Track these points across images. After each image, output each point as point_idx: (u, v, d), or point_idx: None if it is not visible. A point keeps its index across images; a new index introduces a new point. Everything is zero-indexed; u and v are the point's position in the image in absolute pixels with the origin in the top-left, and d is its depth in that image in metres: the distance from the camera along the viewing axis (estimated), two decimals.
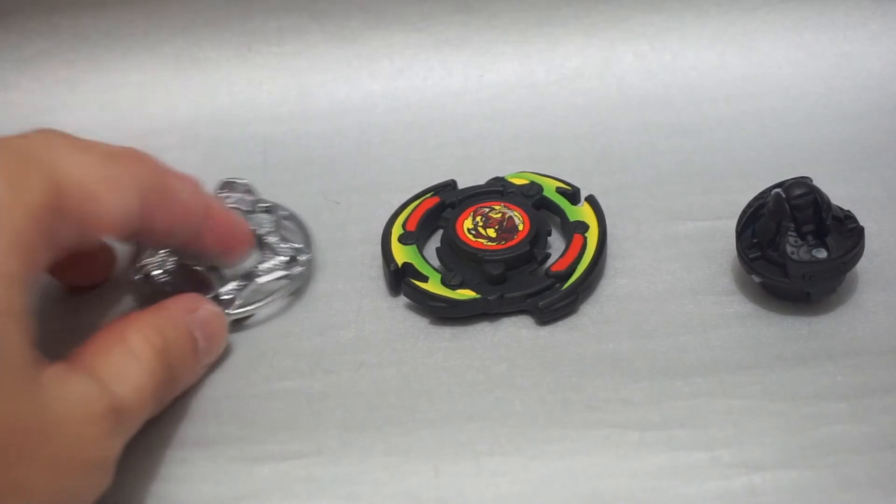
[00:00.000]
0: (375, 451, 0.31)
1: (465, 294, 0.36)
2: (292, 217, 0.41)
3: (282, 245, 0.39)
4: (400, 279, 0.37)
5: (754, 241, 0.35)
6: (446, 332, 0.36)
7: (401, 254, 0.38)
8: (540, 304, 0.35)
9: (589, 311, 0.36)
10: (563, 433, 0.31)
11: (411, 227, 0.39)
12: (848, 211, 0.35)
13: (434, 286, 0.36)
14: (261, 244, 0.40)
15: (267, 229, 0.40)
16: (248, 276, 0.38)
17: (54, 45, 0.50)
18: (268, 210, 0.41)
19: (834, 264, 0.34)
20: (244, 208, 0.40)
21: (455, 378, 0.34)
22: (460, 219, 0.38)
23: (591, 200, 0.39)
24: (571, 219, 0.39)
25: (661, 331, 0.35)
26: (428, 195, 0.41)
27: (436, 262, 0.38)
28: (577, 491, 0.30)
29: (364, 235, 0.40)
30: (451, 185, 0.41)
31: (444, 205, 0.40)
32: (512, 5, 0.49)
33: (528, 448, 0.31)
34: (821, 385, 0.32)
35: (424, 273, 0.37)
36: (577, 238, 0.37)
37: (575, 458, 0.31)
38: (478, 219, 0.38)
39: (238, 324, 0.37)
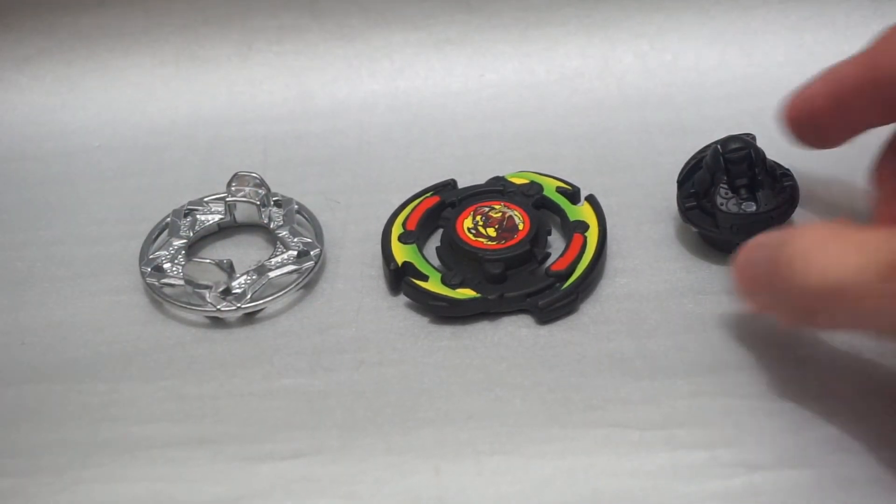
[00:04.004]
0: (376, 450, 0.31)
1: (466, 293, 0.36)
2: (303, 211, 0.41)
3: (293, 239, 0.39)
4: (400, 278, 0.37)
5: (692, 191, 0.37)
6: (446, 332, 0.36)
7: (401, 253, 0.38)
8: (540, 303, 0.35)
9: (589, 311, 0.36)
10: (563, 432, 0.31)
11: (411, 226, 0.39)
12: (787, 169, 0.37)
13: (434, 285, 0.36)
14: (272, 238, 0.40)
15: (278, 223, 0.40)
16: (260, 270, 0.38)
17: (54, 44, 0.50)
18: (279, 203, 0.41)
19: (760, 218, 0.35)
20: (256, 201, 0.40)
21: (455, 377, 0.34)
22: (460, 218, 0.38)
23: (591, 200, 0.39)
24: (571, 218, 0.39)
25: (661, 330, 0.35)
26: (428, 194, 0.41)
27: (436, 262, 0.38)
28: (577, 490, 0.30)
29: (364, 234, 0.40)
30: (451, 184, 0.41)
31: (444, 204, 0.40)
32: (512, 5, 0.49)
33: (529, 447, 0.31)
34: (820, 385, 0.32)
35: (424, 272, 0.37)
36: (577, 237, 0.37)
37: (575, 457, 0.31)
38: (478, 218, 0.38)
39: (249, 317, 0.37)
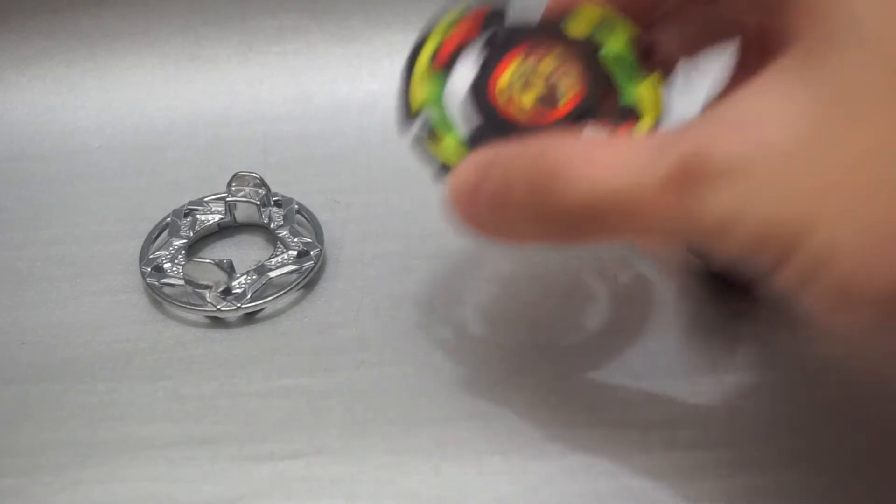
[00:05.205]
0: (375, 450, 0.31)
1: None
2: (303, 211, 0.41)
3: (293, 239, 0.39)
4: (413, 122, 0.29)
5: None
6: (447, 331, 0.36)
7: (424, 89, 0.29)
8: None
9: (589, 311, 0.36)
10: (563, 432, 0.31)
11: (440, 63, 0.30)
12: None
13: (450, 146, 0.28)
14: (272, 238, 0.40)
15: (278, 223, 0.40)
16: (260, 270, 0.38)
17: (54, 45, 0.50)
18: (279, 203, 0.41)
19: None
20: (256, 201, 0.40)
21: (455, 376, 0.34)
22: (499, 67, 0.29)
23: (660, 77, 0.30)
24: (625, 99, 0.29)
25: (661, 330, 0.35)
26: (466, 16, 0.30)
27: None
28: (577, 490, 0.30)
29: (364, 234, 0.40)
30: (500, 9, 0.30)
31: (487, 33, 0.30)
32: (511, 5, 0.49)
33: (529, 447, 0.31)
34: (821, 385, 0.32)
35: (442, 125, 0.29)
36: (621, 131, 0.29)
37: (575, 457, 0.31)
38: (522, 70, 0.29)
39: (249, 317, 0.37)
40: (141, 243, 0.40)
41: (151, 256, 0.39)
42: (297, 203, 0.41)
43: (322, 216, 0.41)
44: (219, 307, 0.36)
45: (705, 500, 0.29)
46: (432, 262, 0.39)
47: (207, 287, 0.37)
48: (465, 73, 0.30)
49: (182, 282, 0.38)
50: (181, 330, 0.37)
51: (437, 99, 0.29)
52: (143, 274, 0.39)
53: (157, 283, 0.38)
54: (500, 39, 0.30)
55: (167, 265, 0.39)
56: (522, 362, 0.34)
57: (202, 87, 0.50)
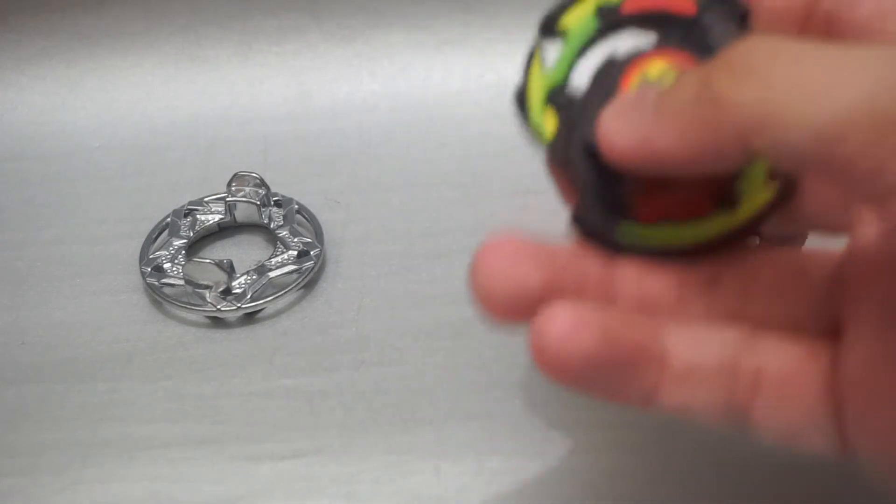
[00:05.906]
0: (376, 450, 0.31)
1: (548, 125, 0.24)
2: (303, 211, 0.41)
3: (293, 239, 0.39)
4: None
5: None
6: (446, 332, 0.36)
7: (580, 16, 0.24)
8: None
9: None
10: (563, 433, 0.31)
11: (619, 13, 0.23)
12: None
13: (536, 85, 0.24)
14: (272, 238, 0.40)
15: (278, 223, 0.40)
16: (260, 270, 0.38)
17: (54, 45, 0.50)
18: (279, 203, 0.41)
19: None
20: (256, 201, 0.40)
21: (456, 377, 0.34)
22: (634, 68, 0.22)
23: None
24: None
25: None
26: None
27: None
28: (577, 490, 0.30)
29: (364, 234, 0.40)
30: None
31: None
32: (512, 5, 0.49)
33: (529, 447, 0.31)
34: None
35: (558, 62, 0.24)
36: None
37: (575, 457, 0.31)
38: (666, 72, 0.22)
39: (249, 317, 0.37)
40: (141, 243, 0.40)
41: (151, 256, 0.39)
42: (297, 203, 0.41)
43: (322, 216, 0.41)
44: (219, 307, 0.36)
45: (705, 500, 0.29)
46: (432, 262, 0.39)
47: (207, 287, 0.37)
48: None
49: (182, 282, 0.38)
50: (181, 330, 0.37)
51: (578, 37, 0.24)
52: (143, 274, 0.39)
53: (157, 283, 0.38)
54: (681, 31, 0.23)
55: (167, 265, 0.39)
56: (523, 362, 0.34)
57: (202, 87, 0.50)
